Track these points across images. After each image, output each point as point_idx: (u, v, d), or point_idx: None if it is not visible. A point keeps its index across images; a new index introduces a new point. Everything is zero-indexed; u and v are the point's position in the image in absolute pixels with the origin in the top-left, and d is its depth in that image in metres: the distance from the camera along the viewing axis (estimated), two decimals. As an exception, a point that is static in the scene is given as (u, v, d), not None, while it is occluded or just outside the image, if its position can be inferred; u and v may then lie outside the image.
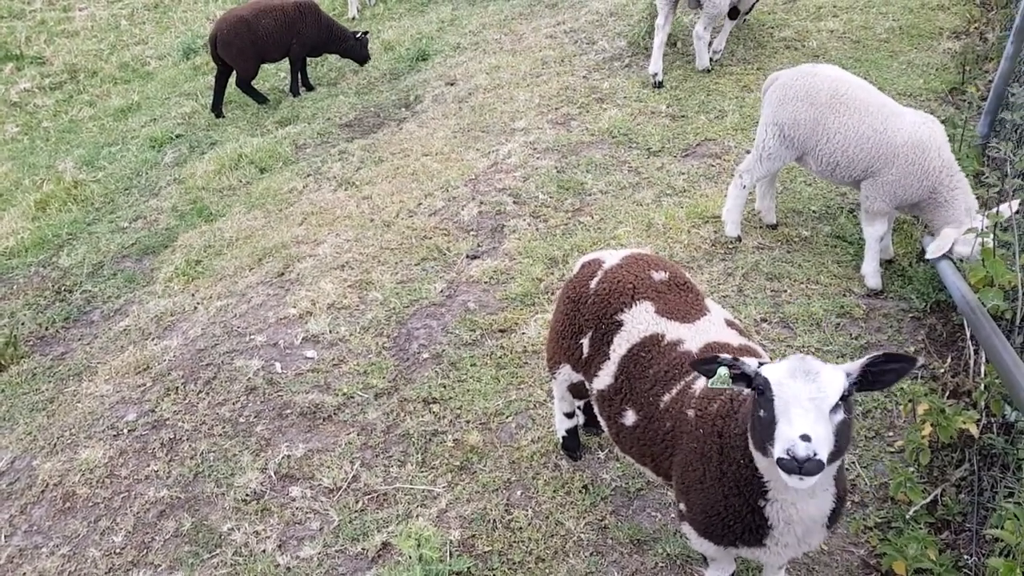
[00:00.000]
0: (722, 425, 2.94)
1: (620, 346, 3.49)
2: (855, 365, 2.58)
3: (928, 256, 5.20)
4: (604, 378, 3.53)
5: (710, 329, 3.39)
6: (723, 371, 2.66)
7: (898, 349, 5.05)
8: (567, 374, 3.91)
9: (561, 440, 4.48)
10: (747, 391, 2.81)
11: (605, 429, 3.64)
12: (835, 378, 2.52)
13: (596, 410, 3.66)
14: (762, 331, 5.18)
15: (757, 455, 2.73)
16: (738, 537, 2.97)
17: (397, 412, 4.89)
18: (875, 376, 2.57)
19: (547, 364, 4.08)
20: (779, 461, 2.44)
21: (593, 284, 3.68)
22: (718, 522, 2.98)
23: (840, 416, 2.50)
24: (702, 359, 2.73)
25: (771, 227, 6.22)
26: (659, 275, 3.60)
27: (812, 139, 5.49)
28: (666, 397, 3.26)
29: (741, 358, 2.70)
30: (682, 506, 3.17)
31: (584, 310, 3.67)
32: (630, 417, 3.39)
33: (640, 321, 3.48)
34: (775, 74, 5.79)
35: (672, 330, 3.41)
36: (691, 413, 3.12)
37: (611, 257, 3.78)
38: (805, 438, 2.40)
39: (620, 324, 3.52)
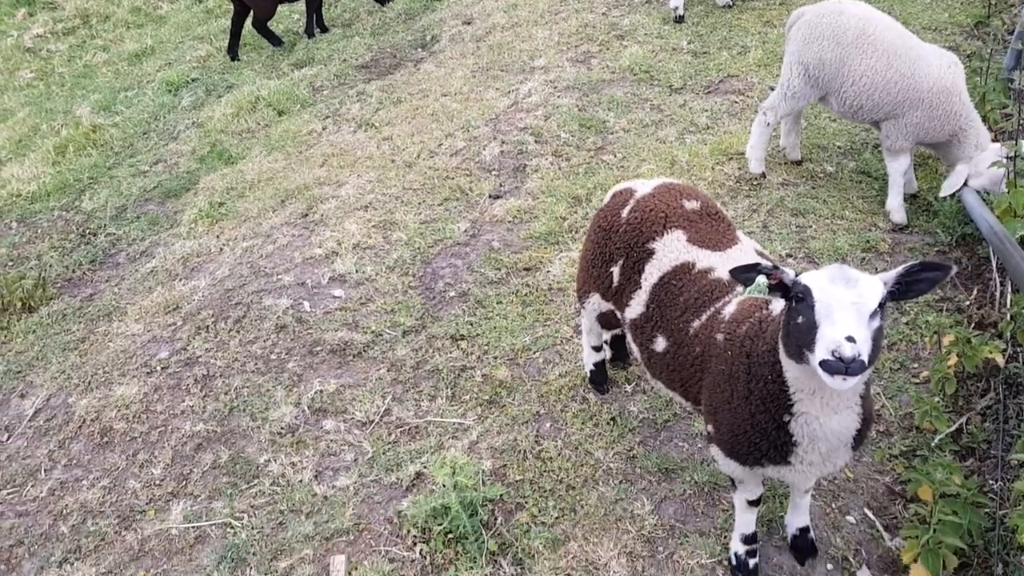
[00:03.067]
0: (750, 346, 2.99)
1: (651, 275, 3.52)
2: (891, 274, 2.63)
3: (942, 194, 5.20)
4: (636, 307, 3.57)
5: (741, 258, 3.41)
6: (761, 279, 2.70)
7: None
8: (596, 303, 3.95)
9: (589, 374, 4.54)
10: (781, 301, 2.81)
11: (637, 356, 3.70)
12: (874, 285, 2.57)
13: (629, 338, 3.71)
14: (788, 266, 5.19)
15: (789, 364, 2.77)
16: (764, 455, 3.03)
17: (425, 349, 4.95)
18: (909, 285, 2.63)
19: (577, 294, 4.12)
20: (823, 363, 2.48)
21: (624, 213, 3.70)
22: (744, 441, 3.05)
23: (876, 323, 2.56)
24: (742, 266, 2.76)
25: (796, 163, 6.19)
26: (691, 204, 3.62)
27: (837, 80, 5.43)
28: (696, 323, 3.30)
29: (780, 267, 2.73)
30: (710, 428, 3.24)
31: (615, 239, 3.70)
32: (660, 344, 3.44)
33: (671, 250, 3.51)
34: (800, 10, 5.69)
35: (703, 258, 3.44)
36: (720, 337, 3.17)
37: (643, 186, 3.79)
38: (850, 339, 2.45)
39: (652, 252, 3.55)
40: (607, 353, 4.55)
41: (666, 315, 3.43)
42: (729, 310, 3.22)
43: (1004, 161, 4.74)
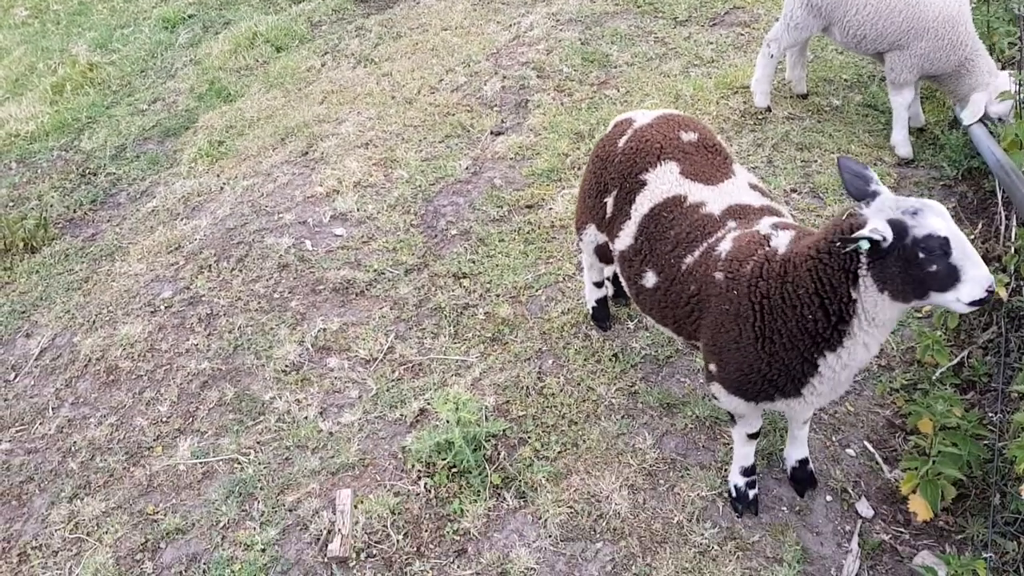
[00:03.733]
0: (765, 288, 2.96)
1: (642, 205, 3.49)
2: None
3: (965, 123, 5.12)
4: (625, 238, 3.55)
5: (732, 191, 3.38)
6: (864, 244, 2.66)
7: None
8: (592, 235, 3.94)
9: (591, 311, 4.54)
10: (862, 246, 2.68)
11: (626, 290, 3.70)
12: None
13: (618, 270, 3.71)
14: (792, 201, 5.16)
15: (883, 303, 2.73)
16: (778, 390, 3.04)
17: (428, 287, 4.95)
18: None
19: (575, 225, 4.11)
20: (974, 302, 2.62)
21: (621, 143, 3.66)
22: (756, 379, 3.05)
23: None
24: (848, 238, 2.67)
25: (802, 97, 6.10)
26: (688, 136, 3.57)
27: (840, 9, 5.32)
28: (688, 259, 3.27)
29: (873, 223, 2.67)
30: (712, 367, 3.24)
31: (611, 168, 3.67)
32: (651, 279, 3.43)
33: (663, 181, 3.47)
34: None
35: (695, 192, 3.40)
36: (719, 276, 3.13)
37: (643, 117, 3.74)
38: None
39: (643, 183, 3.52)
40: (609, 289, 4.55)
41: (656, 249, 3.41)
42: (725, 247, 3.18)
43: (1013, 91, 4.67)
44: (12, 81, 9.17)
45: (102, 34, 9.82)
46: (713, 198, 3.36)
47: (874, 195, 2.78)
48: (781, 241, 3.05)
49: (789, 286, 2.90)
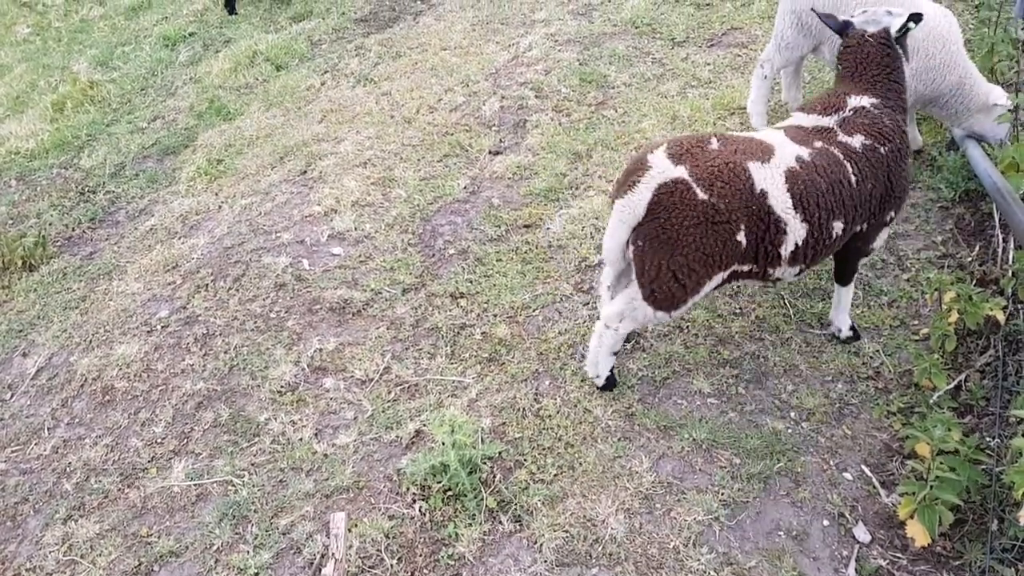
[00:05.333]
0: (894, 121, 3.95)
1: (782, 201, 3.69)
2: None
3: (1002, 106, 5.04)
4: (794, 233, 3.74)
5: (774, 133, 3.94)
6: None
7: (926, 239, 5.03)
8: (718, 280, 3.83)
9: (606, 381, 4.22)
10: None
11: (788, 278, 4.02)
12: None
13: (793, 272, 3.95)
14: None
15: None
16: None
17: (425, 307, 4.95)
18: None
19: (669, 304, 3.82)
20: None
21: (702, 195, 3.60)
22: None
23: None
24: (899, 36, 4.06)
25: (798, 118, 6.10)
26: (713, 143, 3.77)
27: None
28: (848, 173, 3.80)
29: None
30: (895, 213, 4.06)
31: (719, 215, 3.61)
32: (838, 224, 3.83)
33: (768, 173, 3.69)
34: None
35: (778, 145, 3.80)
36: (880, 149, 3.86)
37: (664, 163, 3.67)
38: None
39: (763, 193, 3.67)
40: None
41: (823, 201, 3.73)
42: (842, 136, 3.86)
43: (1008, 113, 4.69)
44: (13, 98, 9.20)
45: (103, 52, 9.86)
46: (780, 138, 3.85)
47: (847, 23, 4.04)
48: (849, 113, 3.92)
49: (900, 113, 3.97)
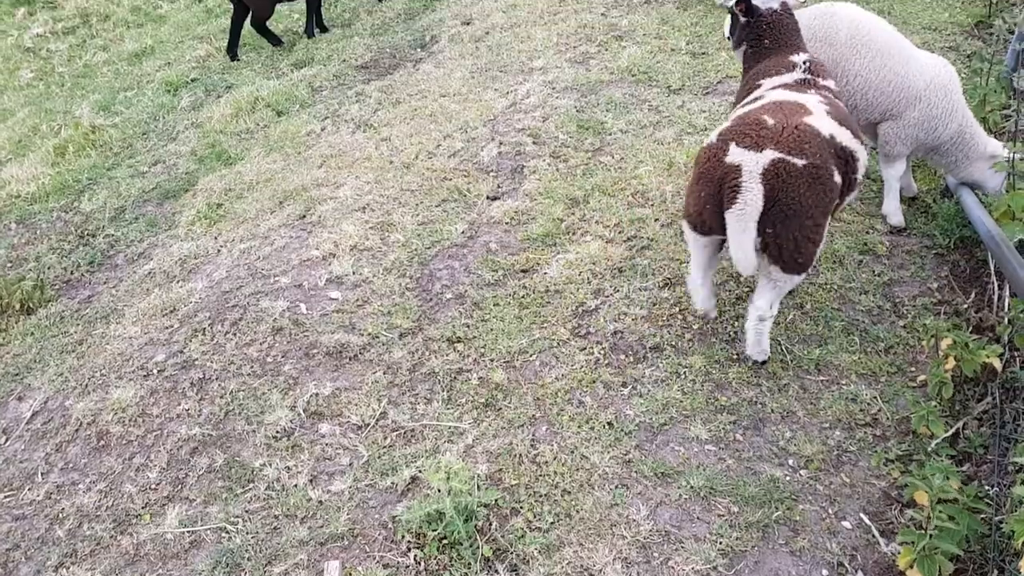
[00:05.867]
0: None
1: (845, 136, 4.22)
2: None
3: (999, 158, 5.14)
4: (862, 159, 4.34)
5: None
6: None
7: (921, 285, 5.05)
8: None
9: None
10: None
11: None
12: None
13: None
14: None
15: None
16: None
17: (422, 351, 4.95)
18: None
19: (812, 257, 4.17)
20: None
21: (801, 163, 3.98)
22: None
23: None
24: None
25: (794, 165, 6.17)
26: (767, 120, 4.12)
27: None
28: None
29: None
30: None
31: (821, 172, 4.03)
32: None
33: (825, 121, 4.17)
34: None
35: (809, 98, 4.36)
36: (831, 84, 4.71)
37: (754, 156, 4.04)
38: None
39: (833, 136, 4.15)
40: None
41: (854, 124, 4.39)
42: (823, 83, 4.67)
43: (1006, 159, 4.75)
44: (15, 143, 9.27)
45: (106, 97, 9.97)
46: (798, 95, 4.40)
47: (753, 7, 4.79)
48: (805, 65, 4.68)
49: None
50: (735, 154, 3.99)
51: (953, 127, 5.21)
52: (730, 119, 4.36)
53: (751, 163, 3.94)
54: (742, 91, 4.89)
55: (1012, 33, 6.72)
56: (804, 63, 4.64)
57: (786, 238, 4.01)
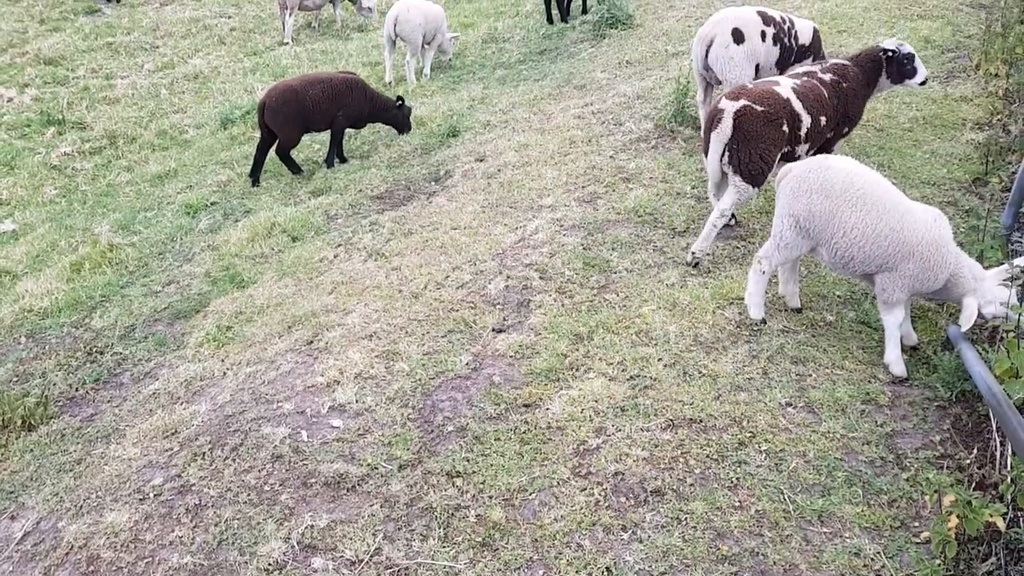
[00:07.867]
0: None
1: (797, 104, 6.90)
2: None
3: (963, 328, 5.26)
4: (805, 123, 6.99)
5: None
6: None
7: (924, 438, 5.05)
8: (777, 158, 6.99)
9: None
10: None
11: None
12: None
13: (806, 147, 7.11)
14: (787, 416, 5.20)
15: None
16: None
17: (421, 484, 4.91)
18: None
19: (763, 174, 6.89)
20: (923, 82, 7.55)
21: (761, 109, 6.63)
22: None
23: None
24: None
25: (796, 311, 6.28)
26: (750, 87, 6.92)
27: (827, 231, 5.61)
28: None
29: None
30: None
31: (772, 117, 6.69)
32: (823, 120, 7.15)
33: (788, 92, 6.90)
34: (788, 165, 5.94)
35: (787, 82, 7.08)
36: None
37: (733, 104, 6.67)
38: None
39: (789, 100, 6.84)
40: None
41: (814, 104, 7.10)
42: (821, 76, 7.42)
43: (1009, 281, 5.00)
44: (33, 257, 9.49)
45: (126, 216, 10.25)
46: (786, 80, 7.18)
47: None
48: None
49: None
50: (723, 103, 6.60)
51: (944, 275, 5.43)
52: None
53: (729, 107, 6.53)
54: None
55: (1007, 192, 6.96)
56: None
57: (744, 154, 6.57)
